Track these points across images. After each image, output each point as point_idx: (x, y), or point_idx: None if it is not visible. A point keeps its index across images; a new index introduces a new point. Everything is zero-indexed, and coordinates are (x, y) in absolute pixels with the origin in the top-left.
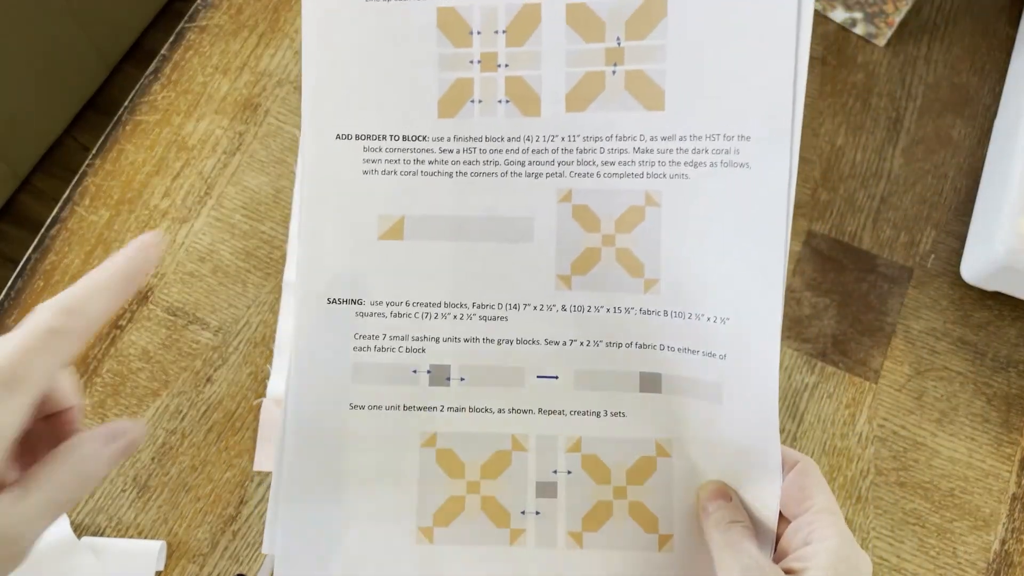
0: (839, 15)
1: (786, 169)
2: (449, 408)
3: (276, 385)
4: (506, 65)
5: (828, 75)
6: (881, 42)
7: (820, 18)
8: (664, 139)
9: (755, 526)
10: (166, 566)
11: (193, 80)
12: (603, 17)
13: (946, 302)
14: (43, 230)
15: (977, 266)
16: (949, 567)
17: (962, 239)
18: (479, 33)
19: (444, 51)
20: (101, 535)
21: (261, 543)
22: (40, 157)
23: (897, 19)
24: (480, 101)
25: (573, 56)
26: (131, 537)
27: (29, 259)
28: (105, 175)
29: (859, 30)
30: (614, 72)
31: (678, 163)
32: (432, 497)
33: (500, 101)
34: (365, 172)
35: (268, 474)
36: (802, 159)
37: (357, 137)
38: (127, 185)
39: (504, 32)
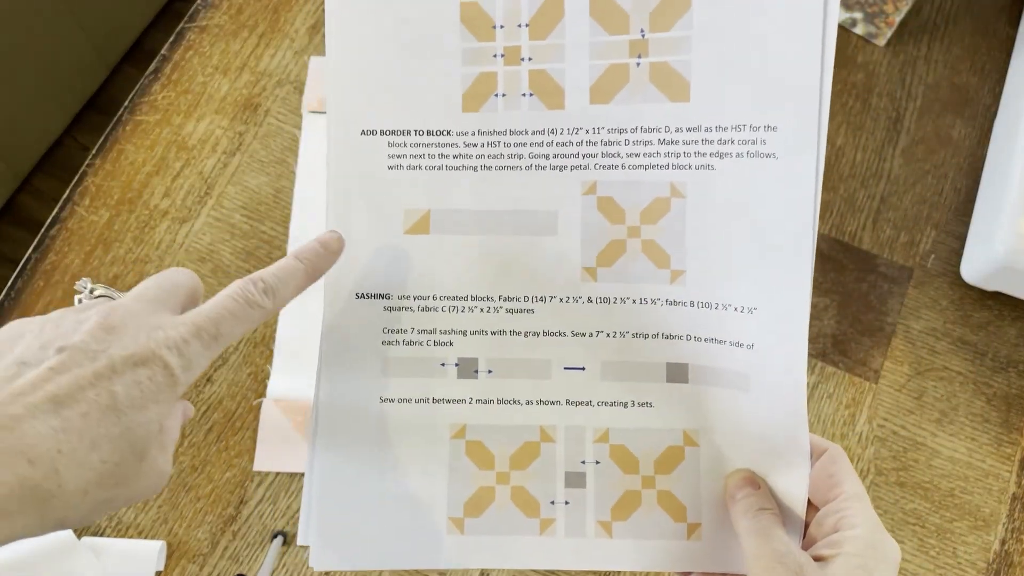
0: (839, 15)
1: (814, 158)
2: (478, 400)
3: (276, 385)
4: (529, 59)
5: None
6: (881, 42)
7: None
8: (689, 130)
9: (783, 513)
10: (166, 566)
11: (193, 80)
12: (627, 9)
13: (946, 302)
14: (43, 230)
15: (977, 266)
16: (949, 567)
17: (962, 239)
18: (502, 27)
19: (467, 45)
20: (101, 535)
21: (261, 543)
22: (40, 157)
23: (897, 19)
24: (504, 95)
25: (597, 48)
26: (131, 537)
27: (29, 259)
28: (105, 175)
29: (859, 30)
30: (638, 64)
31: (704, 154)
32: (462, 488)
33: (524, 95)
34: (390, 167)
35: (267, 474)
36: None
37: (382, 132)
38: (127, 185)
39: (527, 26)
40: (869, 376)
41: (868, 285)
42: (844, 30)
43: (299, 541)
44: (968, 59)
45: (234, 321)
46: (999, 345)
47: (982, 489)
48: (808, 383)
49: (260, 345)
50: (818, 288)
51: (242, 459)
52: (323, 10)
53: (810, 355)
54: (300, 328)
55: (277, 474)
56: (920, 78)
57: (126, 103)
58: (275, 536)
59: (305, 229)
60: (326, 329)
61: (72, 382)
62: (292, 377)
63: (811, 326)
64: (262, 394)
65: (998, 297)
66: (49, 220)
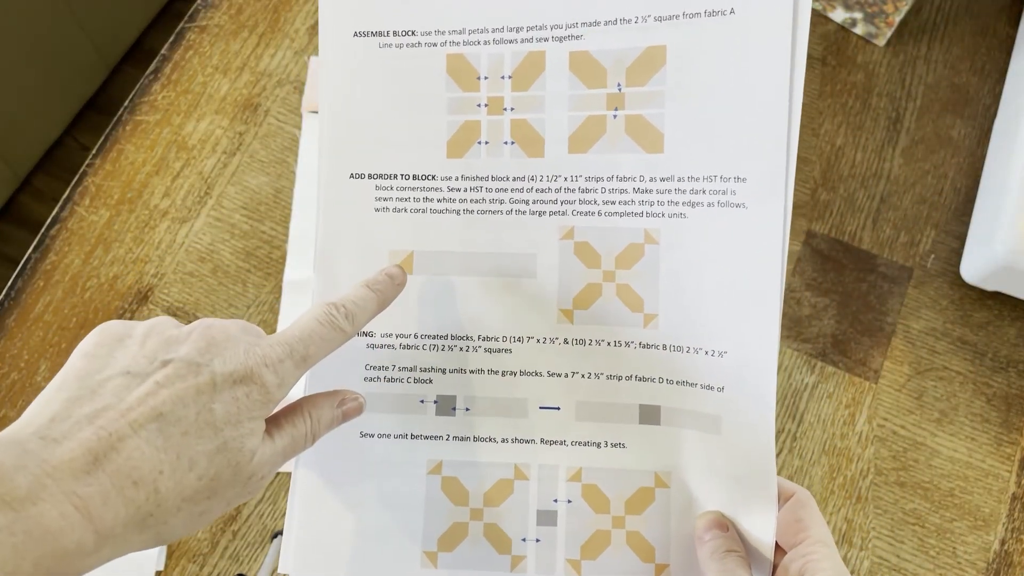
0: (839, 15)
1: (781, 209)
2: (454, 437)
3: None
4: (512, 109)
5: (828, 75)
6: (881, 42)
7: (820, 18)
8: (663, 180)
9: (751, 556)
10: (166, 566)
11: (193, 80)
12: (605, 64)
13: (946, 302)
14: (43, 230)
15: (977, 266)
16: (949, 567)
17: (962, 239)
18: (486, 78)
19: (453, 95)
20: None
21: (261, 543)
22: (40, 157)
23: (897, 19)
24: (487, 142)
25: (576, 101)
26: None
27: (29, 259)
28: (105, 175)
29: (859, 30)
30: (615, 116)
31: (676, 203)
32: (437, 523)
33: (506, 143)
34: (377, 209)
35: None
36: (802, 159)
37: (370, 176)
38: (127, 185)
39: (510, 78)
40: (869, 376)
41: (868, 285)
42: (844, 30)
43: (279, 569)
44: (968, 59)
45: (321, 343)
46: (999, 345)
47: (982, 489)
48: (808, 383)
49: None
50: (818, 288)
51: None
52: None
53: (810, 355)
54: None
55: (277, 474)
56: (920, 78)
57: (126, 103)
58: (275, 536)
59: (305, 229)
60: None
61: (175, 397)
62: None
63: (811, 326)
64: None
65: (998, 297)
66: (49, 220)
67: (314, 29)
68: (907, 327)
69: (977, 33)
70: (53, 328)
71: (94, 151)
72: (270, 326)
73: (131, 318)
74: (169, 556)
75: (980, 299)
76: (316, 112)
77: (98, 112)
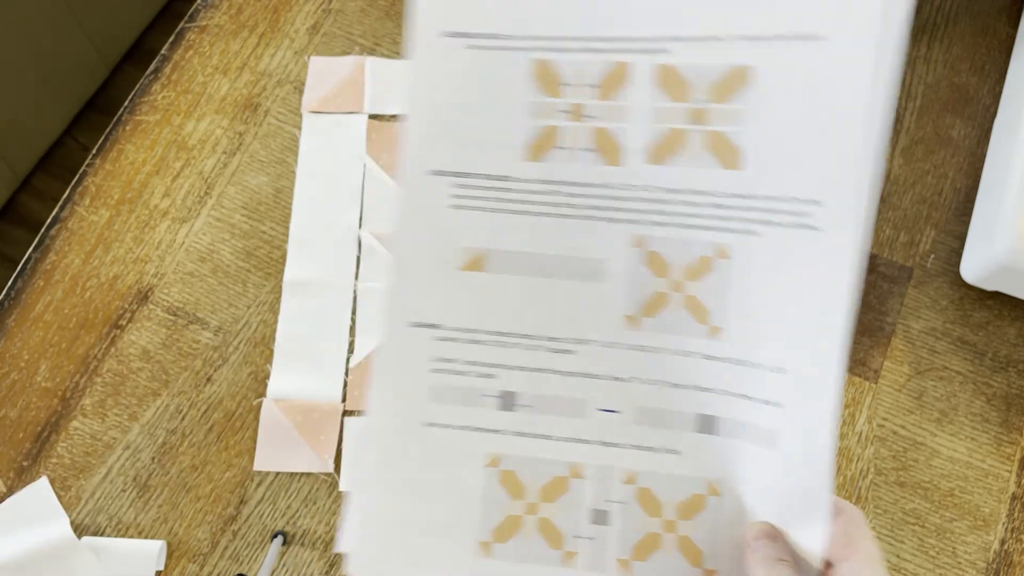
0: None
1: (855, 235)
2: (514, 433)
3: (276, 385)
4: (593, 117)
5: None
6: None
7: None
8: (739, 197)
9: (799, 567)
10: (166, 566)
11: (193, 80)
12: (690, 80)
13: (946, 302)
14: (43, 230)
15: (977, 266)
16: (949, 567)
17: (962, 239)
18: (570, 85)
19: (536, 100)
20: (101, 535)
21: (261, 543)
22: (40, 157)
23: None
24: (566, 148)
25: (657, 113)
26: (131, 537)
27: (29, 259)
28: (105, 175)
29: None
30: (695, 131)
31: (750, 220)
32: (492, 514)
33: (584, 150)
34: (454, 207)
35: (267, 474)
36: None
37: (449, 174)
38: (127, 185)
39: (594, 86)
40: (869, 376)
41: (867, 285)
42: None
43: (336, 548)
44: (968, 59)
45: None
46: (999, 345)
47: (982, 489)
48: None
49: (260, 345)
50: None
51: (242, 459)
52: (323, 10)
53: None
54: (300, 328)
55: (277, 474)
56: (920, 78)
57: (126, 103)
58: (275, 536)
59: (305, 229)
60: (380, 352)
61: None
62: (292, 377)
63: None
64: (262, 394)
65: (998, 297)
66: (49, 220)
67: (314, 29)
68: (907, 327)
69: (977, 33)
70: (53, 328)
71: (94, 151)
72: (270, 326)
73: (131, 318)
74: (169, 556)
75: (980, 299)
76: (317, 112)
77: (98, 112)
